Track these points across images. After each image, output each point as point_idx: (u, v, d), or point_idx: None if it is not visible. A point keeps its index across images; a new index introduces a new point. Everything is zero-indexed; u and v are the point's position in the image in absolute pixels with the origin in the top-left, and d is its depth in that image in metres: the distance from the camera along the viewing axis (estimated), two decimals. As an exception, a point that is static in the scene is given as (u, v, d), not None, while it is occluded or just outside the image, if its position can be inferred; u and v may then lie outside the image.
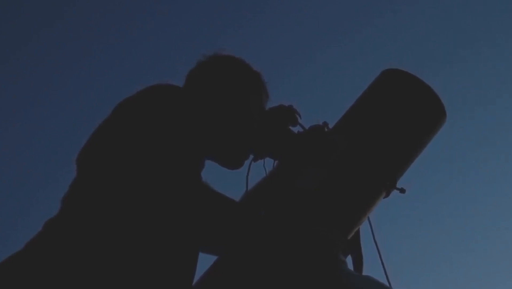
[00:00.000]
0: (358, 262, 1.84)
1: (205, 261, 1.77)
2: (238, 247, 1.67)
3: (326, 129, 1.90)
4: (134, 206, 1.56)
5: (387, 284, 1.82)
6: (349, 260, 1.82)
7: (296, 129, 1.93)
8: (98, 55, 5.77)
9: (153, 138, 1.59)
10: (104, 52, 5.77)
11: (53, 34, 5.71)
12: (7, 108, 5.65)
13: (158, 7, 5.78)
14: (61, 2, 5.75)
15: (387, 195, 1.88)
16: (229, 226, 1.61)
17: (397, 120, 1.89)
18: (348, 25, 5.73)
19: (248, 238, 1.63)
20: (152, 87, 1.69)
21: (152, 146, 1.58)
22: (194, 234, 1.64)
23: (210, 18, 5.73)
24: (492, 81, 5.56)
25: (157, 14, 5.77)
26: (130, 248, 1.55)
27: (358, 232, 1.86)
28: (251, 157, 1.96)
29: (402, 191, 1.89)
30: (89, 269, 1.51)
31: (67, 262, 1.52)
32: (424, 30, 5.64)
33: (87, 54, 5.71)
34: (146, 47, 5.71)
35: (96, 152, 1.64)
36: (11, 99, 5.69)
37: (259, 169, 1.97)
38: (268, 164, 1.98)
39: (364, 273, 1.83)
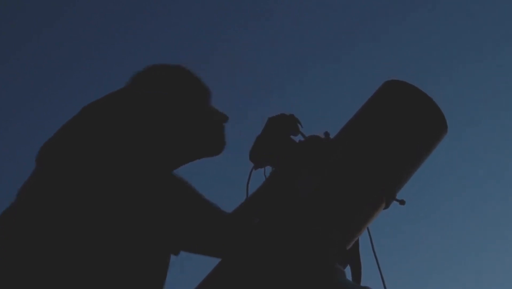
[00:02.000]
0: (357, 272, 1.84)
1: (203, 268, 1.77)
2: (228, 250, 1.67)
3: (327, 139, 1.90)
4: (96, 206, 1.54)
5: (385, 295, 1.83)
6: (347, 271, 1.82)
7: (297, 138, 1.93)
8: (98, 55, 5.77)
9: (118, 140, 1.60)
10: (104, 52, 5.78)
11: (53, 34, 5.71)
12: (7, 108, 5.65)
13: (158, 7, 5.79)
14: (61, 2, 5.75)
15: (387, 206, 1.88)
16: (214, 230, 1.62)
17: (398, 132, 1.89)
18: (350, 34, 5.74)
19: (234, 242, 1.63)
20: (120, 90, 1.74)
21: (117, 148, 1.59)
22: (161, 237, 1.61)
23: (210, 20, 5.74)
24: (494, 89, 5.57)
25: (157, 14, 5.77)
26: (89, 251, 1.51)
27: (357, 243, 1.87)
28: (252, 165, 1.96)
29: (401, 202, 1.89)
30: (46, 274, 1.48)
31: (22, 264, 1.49)
32: (427, 38, 5.65)
33: (87, 54, 5.71)
34: (147, 48, 5.71)
35: (61, 151, 1.63)
36: (11, 99, 5.69)
37: (259, 177, 1.97)
38: (268, 172, 1.98)
39: (363, 283, 1.83)
